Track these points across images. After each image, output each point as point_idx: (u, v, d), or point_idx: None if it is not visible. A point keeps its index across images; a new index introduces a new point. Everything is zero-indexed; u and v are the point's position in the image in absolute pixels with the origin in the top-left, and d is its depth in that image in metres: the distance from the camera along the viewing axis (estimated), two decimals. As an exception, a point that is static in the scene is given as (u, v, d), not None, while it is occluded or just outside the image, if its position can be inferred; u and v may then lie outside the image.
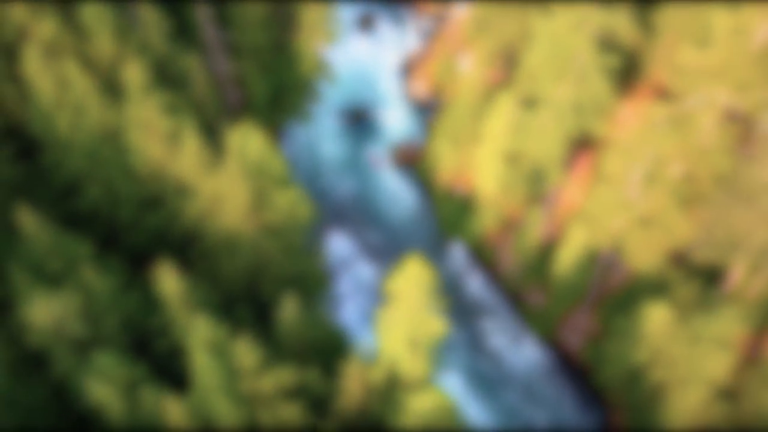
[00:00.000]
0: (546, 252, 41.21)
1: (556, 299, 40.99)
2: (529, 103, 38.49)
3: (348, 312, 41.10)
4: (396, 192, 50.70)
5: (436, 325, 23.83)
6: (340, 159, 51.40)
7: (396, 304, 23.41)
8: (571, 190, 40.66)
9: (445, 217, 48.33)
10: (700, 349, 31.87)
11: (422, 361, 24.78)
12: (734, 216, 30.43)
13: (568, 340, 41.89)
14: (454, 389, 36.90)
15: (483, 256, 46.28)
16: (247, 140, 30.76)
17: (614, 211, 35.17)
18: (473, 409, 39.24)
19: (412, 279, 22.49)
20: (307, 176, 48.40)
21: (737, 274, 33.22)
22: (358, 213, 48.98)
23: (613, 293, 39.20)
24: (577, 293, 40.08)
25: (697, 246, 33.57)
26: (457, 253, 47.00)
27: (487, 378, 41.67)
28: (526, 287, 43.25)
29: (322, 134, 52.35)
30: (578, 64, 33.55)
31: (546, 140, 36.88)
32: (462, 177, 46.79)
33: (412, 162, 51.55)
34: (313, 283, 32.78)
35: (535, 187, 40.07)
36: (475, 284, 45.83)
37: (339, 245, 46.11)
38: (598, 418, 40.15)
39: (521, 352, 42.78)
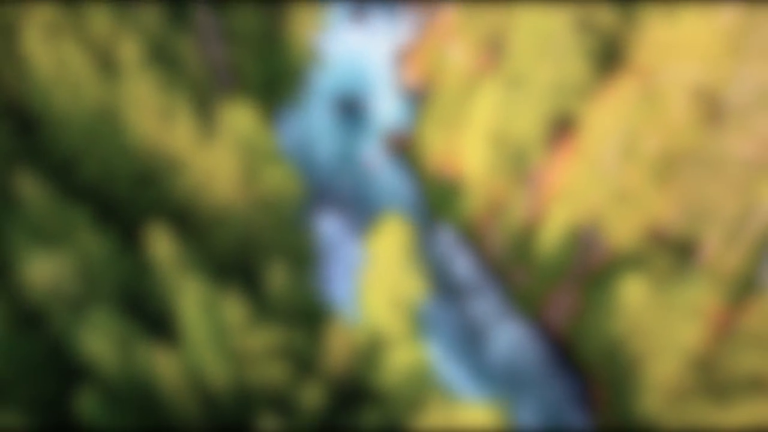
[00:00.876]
0: (530, 231, 42.38)
1: (540, 277, 42.18)
2: (513, 85, 39.70)
3: (335, 289, 42.22)
4: (387, 177, 51.86)
5: (415, 283, 24.95)
6: (332, 146, 52.57)
7: (375, 263, 24.55)
8: (555, 170, 41.83)
9: (434, 200, 49.56)
10: (672, 318, 33.00)
11: (403, 320, 25.90)
12: (705, 188, 31.60)
13: (552, 317, 43.06)
14: (436, 360, 37.95)
15: (470, 237, 47.48)
16: (238, 117, 31.93)
17: (592, 188, 36.36)
18: (455, 379, 40.36)
19: (391, 238, 23.63)
20: (299, 162, 49.52)
21: (711, 246, 34.38)
22: (348, 197, 50.15)
23: (594, 269, 40.35)
24: (559, 271, 41.25)
25: (672, 220, 34.75)
26: (446, 235, 48.16)
27: (471, 352, 42.82)
28: (511, 266, 44.42)
29: (314, 122, 53.53)
30: (557, 46, 34.74)
31: (527, 120, 38.13)
32: (450, 161, 47.98)
33: (403, 148, 52.73)
34: (302, 256, 33.93)
35: (519, 167, 41.27)
36: (463, 265, 47.01)
37: (328, 227, 47.26)
38: (580, 392, 41.27)
39: (506, 329, 43.93)
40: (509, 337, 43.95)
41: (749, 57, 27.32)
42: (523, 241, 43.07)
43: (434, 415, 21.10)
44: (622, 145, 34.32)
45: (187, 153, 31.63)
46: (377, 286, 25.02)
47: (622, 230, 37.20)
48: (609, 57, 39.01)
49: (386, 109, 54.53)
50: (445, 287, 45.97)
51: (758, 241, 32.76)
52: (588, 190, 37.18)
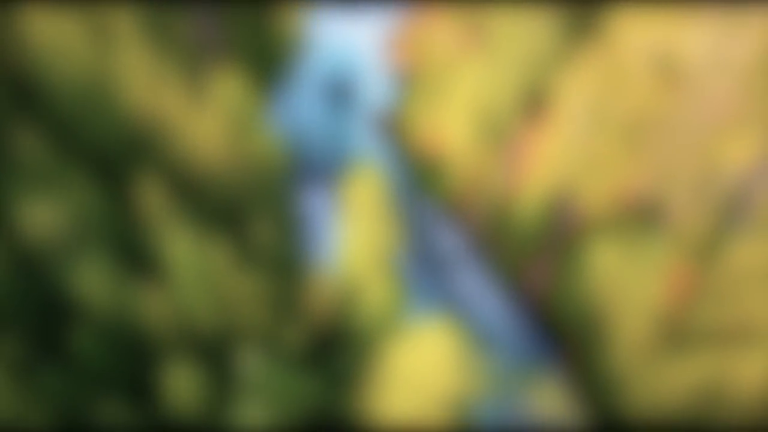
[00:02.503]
0: (508, 201, 43.83)
1: (518, 245, 43.57)
2: (491, 62, 41.25)
3: (318, 254, 43.40)
4: (376, 156, 53.22)
5: (391, 230, 26.33)
6: (320, 126, 53.91)
7: (351, 210, 25.96)
8: (532, 142, 43.31)
9: (419, 176, 50.98)
10: (638, 277, 34.45)
11: (379, 264, 27.28)
12: (669, 152, 33.05)
13: (531, 283, 44.44)
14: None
15: (454, 210, 48.90)
16: (227, 84, 33.36)
17: (564, 156, 37.82)
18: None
19: (365, 185, 25.04)
20: (288, 141, 50.84)
21: (676, 208, 35.84)
22: (337, 175, 51.49)
23: (569, 236, 41.78)
24: (536, 238, 42.67)
25: (642, 184, 36.19)
26: (431, 209, 49.52)
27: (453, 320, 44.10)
28: (493, 237, 45.85)
29: (303, 103, 54.84)
30: (532, 22, 36.27)
31: (504, 94, 39.59)
32: (434, 138, 49.45)
33: (391, 127, 54.16)
34: (286, 217, 35.26)
35: (498, 140, 42.74)
36: (447, 238, 48.37)
37: (316, 205, 48.58)
38: (559, 358, 42.62)
39: (488, 298, 45.27)
40: (491, 305, 45.29)
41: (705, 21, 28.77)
42: (503, 211, 44.55)
43: (398, 344, 22.48)
44: (591, 114, 35.80)
45: (177, 118, 33.01)
46: (354, 233, 26.42)
47: (595, 197, 38.64)
48: (579, 29, 40.51)
49: (375, 90, 55.95)
50: (429, 258, 47.36)
51: (721, 202, 34.19)
52: (561, 159, 38.65)
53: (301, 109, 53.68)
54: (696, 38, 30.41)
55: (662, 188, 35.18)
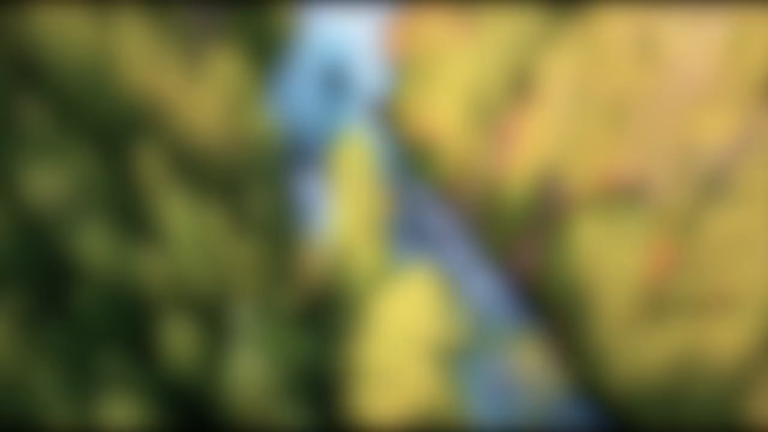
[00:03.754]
0: (498, 182, 44.85)
1: (508, 224, 44.61)
2: (482, 49, 42.28)
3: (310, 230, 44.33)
4: (377, 158, 54.21)
5: (379, 195, 27.34)
6: (315, 113, 54.89)
7: (340, 177, 26.95)
8: (520, 123, 44.35)
9: (413, 160, 51.99)
10: (619, 251, 35.50)
11: (368, 232, 28.28)
12: (648, 130, 34.09)
13: (520, 261, 45.46)
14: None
15: (446, 192, 49.94)
16: (225, 64, 34.34)
17: (551, 136, 38.86)
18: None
19: (354, 152, 26.04)
20: (284, 128, 51.80)
21: (657, 184, 36.88)
22: (329, 157, 52.44)
23: (556, 213, 42.80)
24: (525, 217, 43.69)
25: (626, 161, 37.23)
26: (424, 192, 50.52)
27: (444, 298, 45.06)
28: (483, 216, 46.87)
29: (299, 91, 55.80)
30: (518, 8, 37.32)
31: (492, 77, 40.64)
32: (427, 122, 50.49)
33: (385, 114, 55.17)
34: (282, 192, 36.21)
35: (487, 122, 43.77)
36: (439, 218, 49.39)
37: (310, 185, 49.52)
38: (544, 328, 43.60)
39: (478, 276, 46.25)
40: (481, 283, 46.28)
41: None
42: (492, 192, 45.58)
43: (384, 296, 23.48)
44: (575, 96, 36.85)
45: (175, 95, 33.97)
46: (344, 199, 27.41)
47: (580, 176, 39.67)
48: (563, 14, 41.57)
49: (368, 77, 56.94)
50: (421, 238, 48.33)
51: (699, 176, 35.24)
52: (547, 140, 39.69)
53: (296, 94, 54.63)
54: (673, 21, 31.46)
55: (643, 165, 36.22)
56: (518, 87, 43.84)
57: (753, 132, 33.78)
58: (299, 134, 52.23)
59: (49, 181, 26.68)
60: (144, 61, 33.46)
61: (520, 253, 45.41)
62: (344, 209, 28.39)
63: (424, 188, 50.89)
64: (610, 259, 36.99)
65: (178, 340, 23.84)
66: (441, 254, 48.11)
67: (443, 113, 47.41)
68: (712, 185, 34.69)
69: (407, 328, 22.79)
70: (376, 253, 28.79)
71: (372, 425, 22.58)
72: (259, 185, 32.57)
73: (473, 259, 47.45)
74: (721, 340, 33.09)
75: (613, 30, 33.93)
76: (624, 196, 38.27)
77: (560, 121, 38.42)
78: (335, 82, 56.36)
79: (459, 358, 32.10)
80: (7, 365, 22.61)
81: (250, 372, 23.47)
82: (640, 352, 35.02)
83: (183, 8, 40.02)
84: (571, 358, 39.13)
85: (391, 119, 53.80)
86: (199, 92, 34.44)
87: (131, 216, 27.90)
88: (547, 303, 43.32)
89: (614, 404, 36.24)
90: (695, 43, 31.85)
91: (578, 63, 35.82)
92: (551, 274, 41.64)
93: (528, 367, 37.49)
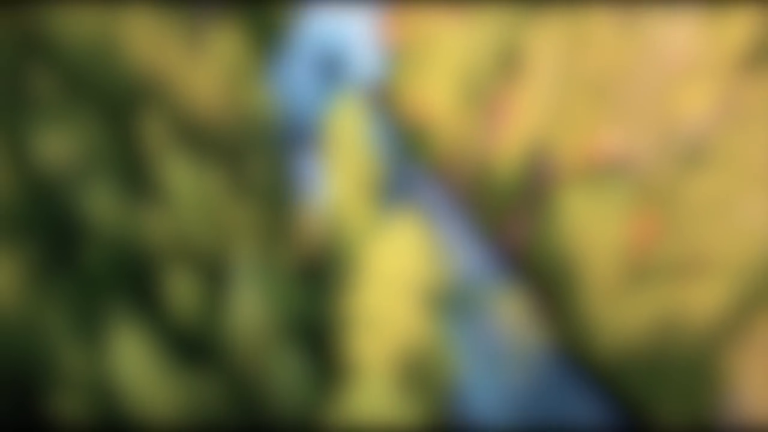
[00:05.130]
0: (489, 159, 46.22)
1: (499, 199, 45.98)
2: (471, 33, 43.67)
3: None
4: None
5: (373, 160, 28.72)
6: (312, 98, 56.30)
7: (335, 144, 28.35)
8: (510, 101, 45.73)
9: (408, 143, 53.39)
10: (604, 222, 36.86)
11: (365, 193, 29.66)
12: (632, 102, 35.44)
13: (511, 234, 46.80)
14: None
15: (441, 172, 51.31)
16: (226, 41, 35.76)
17: (538, 113, 40.25)
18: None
19: (348, 120, 27.44)
20: (282, 112, 53.21)
21: (639, 156, 38.23)
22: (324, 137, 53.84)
23: (545, 189, 44.17)
24: (515, 192, 45.05)
25: (612, 137, 38.58)
26: (420, 173, 51.87)
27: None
28: (475, 192, 48.24)
29: (297, 76, 57.19)
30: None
31: (481, 56, 42.03)
32: (422, 105, 51.88)
33: (382, 99, 56.59)
34: (281, 164, 37.59)
35: (478, 103, 45.16)
36: (436, 197, 50.74)
37: (305, 163, 50.88)
38: (536, 300, 44.90)
39: (472, 250, 47.56)
40: (474, 256, 47.60)
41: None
42: (484, 168, 46.96)
43: (374, 247, 24.85)
44: (561, 73, 38.23)
45: (177, 68, 35.39)
46: (339, 165, 28.80)
47: (566, 150, 41.02)
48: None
49: (365, 63, 58.33)
50: (412, 204, 49.50)
51: (679, 147, 36.58)
52: (535, 117, 41.06)
53: (294, 77, 56.00)
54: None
55: (627, 139, 37.58)
56: (506, 68, 45.23)
57: (731, 104, 35.11)
58: (296, 114, 53.63)
59: (60, 145, 28.12)
60: (148, 38, 34.89)
61: (510, 225, 46.78)
62: (337, 173, 29.78)
63: (418, 166, 52.26)
64: (595, 229, 38.37)
65: (181, 290, 25.25)
66: (431, 219, 49.48)
67: (436, 95, 48.83)
68: (692, 156, 36.02)
69: (396, 276, 24.18)
70: (368, 213, 30.18)
71: (363, 367, 23.96)
72: (257, 154, 33.98)
73: (463, 228, 48.79)
74: (700, 302, 34.44)
75: (597, 10, 35.32)
76: (608, 169, 39.61)
77: (547, 99, 39.81)
78: (331, 66, 57.76)
79: (446, 306, 33.52)
80: (21, 311, 24.03)
81: (249, 318, 24.87)
82: (624, 316, 36.36)
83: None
84: (557, 322, 40.50)
85: (386, 102, 55.23)
86: (200, 68, 35.86)
87: (136, 178, 29.32)
88: (536, 272, 44.68)
89: (598, 365, 37.60)
90: (675, 20, 33.21)
91: (563, 43, 37.21)
92: (540, 244, 43.00)
93: (513, 325, 38.92)
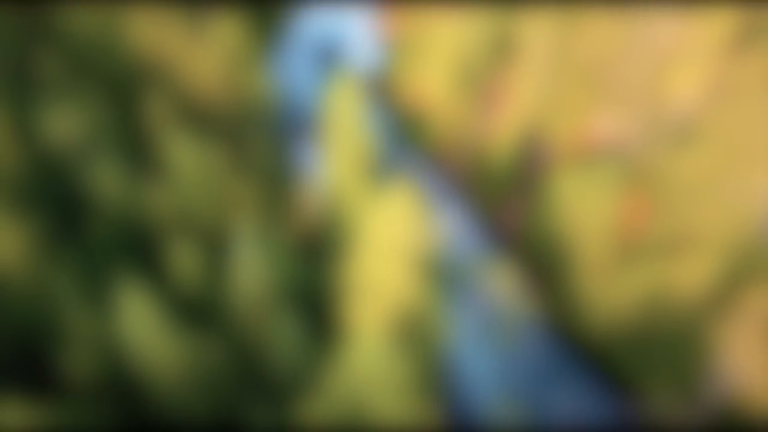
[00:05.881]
0: (485, 144, 47.20)
1: (495, 182, 46.96)
2: (466, 21, 44.68)
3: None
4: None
5: (369, 140, 29.72)
6: (312, 85, 57.31)
7: (332, 123, 29.35)
8: (505, 87, 46.69)
9: (406, 131, 54.40)
10: (596, 203, 37.83)
11: (361, 170, 30.65)
12: (623, 84, 36.40)
13: (507, 218, 47.77)
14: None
15: (438, 158, 52.31)
16: (226, 26, 36.77)
17: (531, 98, 41.23)
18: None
19: (345, 102, 28.44)
20: (281, 97, 54.24)
21: (630, 138, 39.21)
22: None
23: (540, 172, 45.14)
24: (510, 175, 46.04)
25: (605, 119, 39.57)
26: (418, 159, 52.85)
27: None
28: (472, 176, 49.23)
29: (295, 67, 58.20)
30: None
31: (475, 43, 43.04)
32: (419, 94, 52.87)
33: (380, 88, 57.62)
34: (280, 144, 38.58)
35: (473, 90, 46.15)
36: (435, 182, 51.70)
37: (303, 148, 51.75)
38: (531, 280, 45.79)
39: (465, 226, 48.41)
40: (470, 239, 48.51)
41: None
42: (480, 154, 47.94)
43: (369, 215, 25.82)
44: (553, 58, 39.22)
45: (179, 52, 36.42)
46: (335, 143, 29.80)
47: (560, 133, 42.00)
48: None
49: (364, 53, 59.35)
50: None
51: (668, 128, 37.53)
52: (529, 102, 42.05)
53: (292, 68, 57.00)
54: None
55: (618, 122, 38.53)
56: (501, 55, 46.19)
57: (718, 85, 36.05)
58: (294, 100, 54.63)
59: (67, 123, 29.15)
60: (152, 23, 35.91)
61: (505, 207, 47.74)
62: (334, 152, 30.77)
63: (414, 151, 53.24)
64: (586, 209, 39.33)
65: (184, 258, 26.26)
66: (426, 195, 50.43)
67: (431, 82, 49.78)
68: (679, 136, 36.97)
69: (390, 244, 25.17)
70: (364, 188, 31.16)
71: (358, 329, 24.94)
72: (256, 135, 34.98)
73: (457, 205, 49.70)
74: (688, 278, 35.39)
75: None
76: (600, 152, 40.55)
77: (540, 85, 40.78)
78: (329, 54, 58.75)
79: (439, 274, 34.47)
80: (31, 277, 25.05)
81: (249, 283, 25.88)
82: (614, 292, 37.30)
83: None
84: (550, 299, 41.45)
85: (382, 89, 56.23)
86: (202, 53, 36.86)
87: (140, 154, 30.35)
88: (530, 251, 45.62)
89: (589, 340, 38.55)
90: (664, 6, 34.20)
91: (555, 31, 38.18)
92: (534, 224, 43.95)
93: (505, 298, 39.97)
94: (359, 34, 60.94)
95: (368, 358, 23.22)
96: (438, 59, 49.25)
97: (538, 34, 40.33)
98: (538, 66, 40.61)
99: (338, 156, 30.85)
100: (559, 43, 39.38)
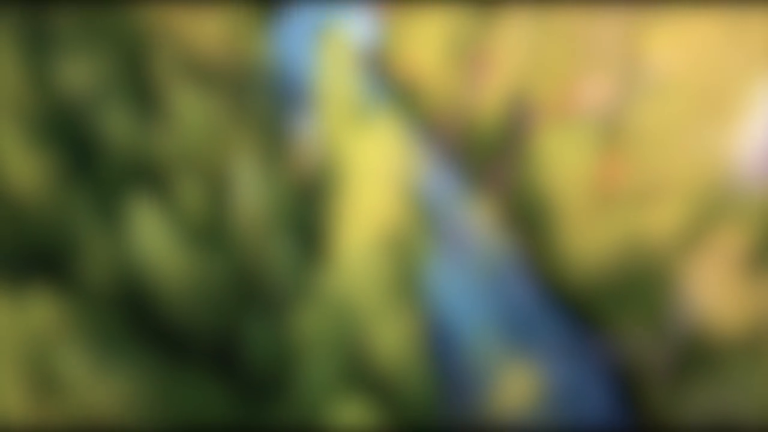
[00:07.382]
0: (474, 110, 49.68)
1: (483, 145, 49.40)
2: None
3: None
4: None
5: (360, 81, 32.18)
6: (309, 57, 59.84)
7: (326, 84, 31.86)
8: (493, 53, 49.14)
9: (403, 104, 56.93)
10: (576, 160, 40.29)
11: (355, 114, 33.09)
12: (600, 52, 38.79)
13: (495, 180, 50.16)
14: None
15: (430, 126, 54.76)
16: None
17: (515, 60, 43.69)
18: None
19: (337, 55, 30.93)
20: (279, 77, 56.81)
21: (607, 98, 41.59)
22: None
23: (527, 136, 47.58)
24: (498, 138, 48.48)
25: (578, 82, 41.95)
26: (414, 129, 55.28)
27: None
28: (463, 139, 51.67)
29: (293, 41, 60.75)
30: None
31: (464, 16, 45.54)
32: (413, 66, 55.45)
33: (376, 62, 60.15)
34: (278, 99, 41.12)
35: (463, 59, 48.64)
36: (429, 153, 54.07)
37: (302, 109, 54.19)
38: (518, 236, 48.07)
39: (462, 202, 50.73)
40: (464, 207, 50.86)
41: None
42: (469, 120, 50.42)
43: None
44: (536, 27, 41.70)
45: (182, 18, 39.02)
46: (329, 93, 32.32)
47: (544, 98, 44.43)
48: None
49: (359, 28, 61.95)
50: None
51: (640, 85, 39.92)
52: (514, 69, 44.52)
53: (291, 35, 59.55)
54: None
55: (596, 83, 40.97)
56: (487, 25, 48.71)
57: (691, 43, 38.43)
58: (291, 68, 57.16)
59: (82, 73, 31.74)
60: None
61: (494, 167, 50.17)
62: (327, 108, 33.30)
63: (415, 128, 55.73)
64: (567, 164, 41.81)
65: (190, 189, 28.79)
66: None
67: (423, 53, 52.27)
68: (652, 92, 39.35)
69: (376, 173, 27.66)
70: (354, 131, 33.65)
71: (346, 247, 27.44)
72: (255, 91, 37.55)
73: (458, 185, 52.10)
74: (660, 224, 37.77)
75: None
76: (580, 113, 42.94)
77: (524, 53, 43.24)
78: (326, 26, 61.32)
79: (423, 205, 36.99)
80: (50, 203, 27.64)
81: (249, 210, 28.40)
82: (592, 239, 39.70)
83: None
84: (533, 246, 43.83)
85: (376, 59, 58.86)
86: (205, 17, 39.46)
87: (147, 102, 32.93)
88: (516, 203, 48.05)
89: (568, 284, 40.91)
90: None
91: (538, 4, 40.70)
92: (520, 180, 46.37)
93: (486, 240, 42.42)
94: (355, 8, 63.50)
95: (355, 271, 25.72)
96: (428, 31, 51.73)
97: (522, 7, 42.79)
98: (521, 35, 43.09)
99: (330, 104, 33.36)
100: (542, 13, 41.82)
